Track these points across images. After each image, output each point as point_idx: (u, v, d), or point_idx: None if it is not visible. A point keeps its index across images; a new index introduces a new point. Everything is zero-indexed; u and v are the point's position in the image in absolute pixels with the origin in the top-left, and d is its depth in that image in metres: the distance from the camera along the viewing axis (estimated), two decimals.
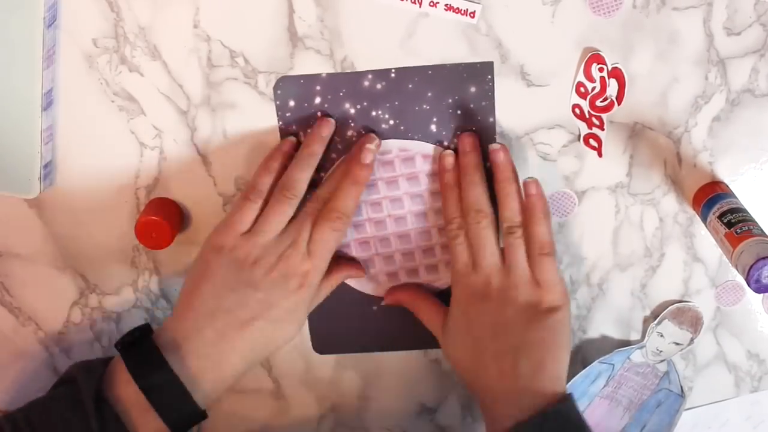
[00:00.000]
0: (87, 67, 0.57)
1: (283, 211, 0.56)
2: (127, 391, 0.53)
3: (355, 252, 0.63)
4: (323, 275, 0.57)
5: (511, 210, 0.57)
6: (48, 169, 0.59)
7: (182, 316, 0.55)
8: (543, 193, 0.57)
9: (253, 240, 0.55)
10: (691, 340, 0.64)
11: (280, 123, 0.59)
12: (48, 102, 0.57)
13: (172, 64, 0.57)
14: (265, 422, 0.70)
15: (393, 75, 0.57)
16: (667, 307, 0.65)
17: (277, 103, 0.58)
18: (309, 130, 0.58)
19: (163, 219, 0.58)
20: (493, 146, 0.58)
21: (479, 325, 0.56)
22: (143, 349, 0.54)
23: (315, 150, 0.58)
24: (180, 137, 0.59)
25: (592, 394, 0.66)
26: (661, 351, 0.64)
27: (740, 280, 0.65)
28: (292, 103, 0.58)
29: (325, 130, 0.58)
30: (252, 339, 0.54)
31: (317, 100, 0.58)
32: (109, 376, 0.54)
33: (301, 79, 0.57)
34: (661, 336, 0.63)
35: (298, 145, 0.59)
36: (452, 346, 0.59)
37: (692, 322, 0.63)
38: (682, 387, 0.66)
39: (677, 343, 0.64)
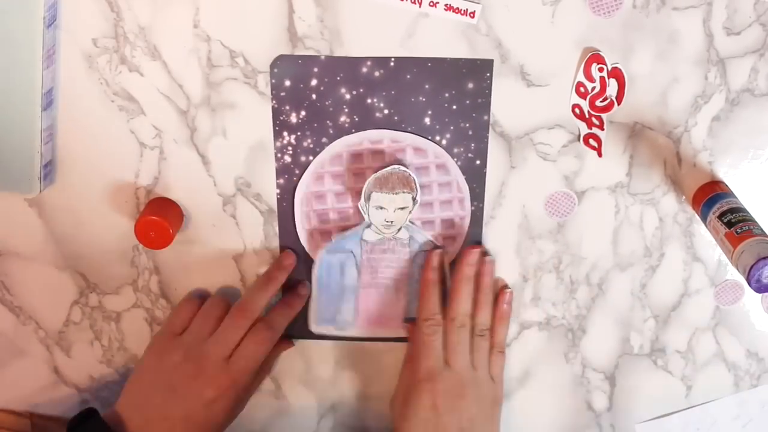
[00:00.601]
0: (87, 67, 0.57)
1: (209, 315, 0.61)
2: None
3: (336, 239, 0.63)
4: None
5: (486, 316, 0.63)
6: (48, 169, 0.59)
7: (124, 394, 0.60)
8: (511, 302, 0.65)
9: (179, 341, 0.60)
10: (414, 199, 0.60)
11: (274, 102, 0.58)
12: (48, 102, 0.57)
13: (172, 64, 0.57)
14: (265, 422, 0.70)
15: (392, 64, 0.57)
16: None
17: (273, 81, 0.58)
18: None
19: (162, 219, 0.58)
20: (488, 259, 0.64)
21: (448, 420, 0.60)
22: (92, 425, 0.57)
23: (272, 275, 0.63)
24: (180, 137, 0.59)
25: (353, 287, 0.65)
26: (391, 221, 0.61)
27: (739, 279, 0.65)
28: (287, 83, 0.58)
29: (287, 260, 0.63)
30: (175, 429, 0.58)
31: (313, 82, 0.58)
32: None
33: (299, 59, 0.57)
34: (380, 208, 0.60)
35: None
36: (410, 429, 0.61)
37: (402, 182, 0.59)
38: (429, 239, 0.63)
39: (402, 208, 0.61)
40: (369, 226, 0.62)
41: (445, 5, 0.55)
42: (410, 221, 0.62)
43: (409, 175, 0.59)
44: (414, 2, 0.55)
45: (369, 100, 0.58)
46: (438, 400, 0.60)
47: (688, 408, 0.70)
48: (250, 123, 0.59)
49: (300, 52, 0.57)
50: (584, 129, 0.59)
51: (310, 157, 0.60)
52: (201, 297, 0.63)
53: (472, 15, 0.56)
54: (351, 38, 0.56)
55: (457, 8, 0.55)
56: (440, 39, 0.56)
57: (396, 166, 0.58)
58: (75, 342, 0.67)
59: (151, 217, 0.58)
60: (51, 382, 0.68)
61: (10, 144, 0.56)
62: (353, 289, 0.64)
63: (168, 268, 0.64)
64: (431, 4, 0.55)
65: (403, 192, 0.59)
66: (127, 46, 0.56)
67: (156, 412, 0.58)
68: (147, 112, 0.58)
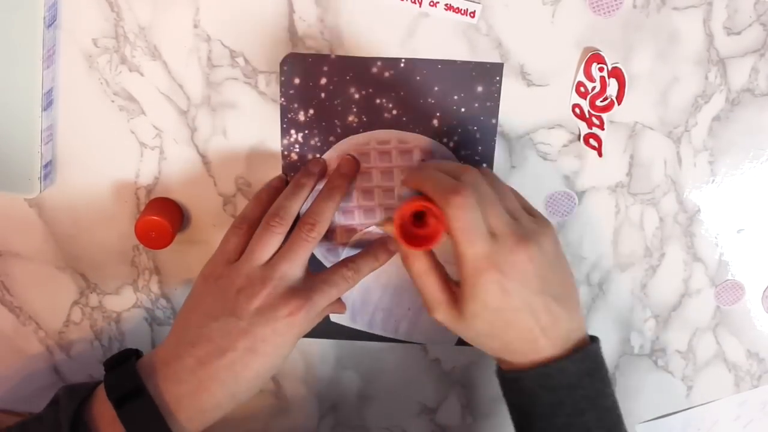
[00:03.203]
0: (87, 67, 0.57)
1: (269, 240, 0.54)
2: (103, 414, 0.52)
3: (340, 239, 0.63)
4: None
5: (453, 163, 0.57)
6: (48, 169, 0.59)
7: (167, 343, 0.54)
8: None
9: (238, 269, 0.54)
10: None
11: (282, 100, 0.58)
12: (48, 102, 0.57)
13: (172, 64, 0.57)
14: (265, 422, 0.70)
15: (402, 65, 0.57)
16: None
17: (282, 78, 0.58)
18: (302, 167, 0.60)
19: (163, 219, 0.58)
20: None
21: (520, 299, 0.50)
22: (123, 372, 0.52)
23: (304, 182, 0.58)
24: (180, 137, 0.59)
25: None
26: None
27: (740, 279, 0.65)
28: (297, 81, 0.58)
29: (315, 167, 0.59)
30: (233, 368, 0.52)
31: (323, 80, 0.58)
32: (92, 399, 0.53)
33: (309, 58, 0.57)
34: None
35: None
36: (480, 324, 0.51)
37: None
38: None
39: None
40: None
41: (445, 5, 0.55)
42: None
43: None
44: (414, 2, 0.55)
45: (378, 101, 0.58)
46: (506, 283, 0.49)
47: (689, 408, 0.71)
48: (250, 123, 0.59)
49: (300, 51, 0.57)
50: (584, 129, 0.59)
51: (317, 155, 0.60)
52: (250, 222, 0.56)
53: (472, 15, 0.56)
54: (351, 38, 0.56)
55: (457, 8, 0.55)
56: (440, 39, 0.56)
57: None
58: (75, 342, 0.67)
59: (151, 217, 0.58)
60: (51, 382, 0.68)
61: (10, 144, 0.56)
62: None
63: (168, 268, 0.64)
64: (431, 4, 0.55)
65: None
66: (127, 46, 0.56)
67: (208, 347, 0.51)
68: (147, 112, 0.59)
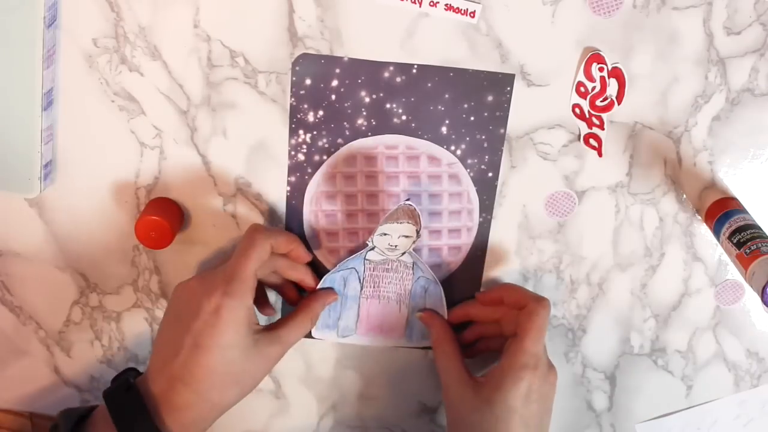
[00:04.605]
0: (87, 67, 0.57)
1: None
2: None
3: (342, 241, 0.63)
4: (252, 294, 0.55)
5: None
6: (48, 169, 0.59)
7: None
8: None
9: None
10: (417, 232, 0.60)
11: (292, 100, 0.58)
12: (48, 102, 0.57)
13: (172, 64, 0.57)
14: (265, 422, 0.70)
15: (414, 71, 0.57)
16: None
17: (294, 78, 0.58)
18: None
19: (163, 219, 0.58)
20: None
21: (535, 408, 0.59)
22: (127, 398, 0.54)
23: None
24: (180, 137, 0.59)
25: (355, 297, 0.64)
26: (395, 246, 0.61)
27: (739, 278, 0.65)
28: (308, 81, 0.58)
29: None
30: (187, 366, 0.53)
31: (334, 82, 0.58)
32: (92, 422, 0.55)
33: (322, 59, 0.57)
34: (384, 234, 0.60)
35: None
36: (484, 415, 0.58)
37: (407, 214, 0.59)
38: (433, 276, 0.63)
39: (406, 236, 0.60)
40: (373, 249, 0.61)
41: (445, 5, 0.55)
42: (414, 250, 0.61)
43: (415, 209, 0.58)
44: (414, 2, 0.55)
45: (388, 105, 0.58)
46: (534, 387, 0.58)
47: (689, 408, 0.71)
48: (250, 123, 0.59)
49: (300, 51, 0.57)
50: (584, 129, 0.59)
51: (324, 157, 0.60)
52: None
53: (472, 15, 0.56)
54: (351, 38, 0.56)
55: (457, 8, 0.55)
56: (440, 39, 0.56)
57: (403, 202, 0.58)
58: (75, 342, 0.67)
59: (151, 217, 0.58)
60: (51, 382, 0.68)
61: (10, 144, 0.56)
62: (355, 299, 0.64)
63: (168, 268, 0.64)
64: (431, 3, 0.55)
65: (408, 222, 0.59)
66: (127, 46, 0.56)
67: (169, 350, 0.54)
68: (147, 112, 0.59)
